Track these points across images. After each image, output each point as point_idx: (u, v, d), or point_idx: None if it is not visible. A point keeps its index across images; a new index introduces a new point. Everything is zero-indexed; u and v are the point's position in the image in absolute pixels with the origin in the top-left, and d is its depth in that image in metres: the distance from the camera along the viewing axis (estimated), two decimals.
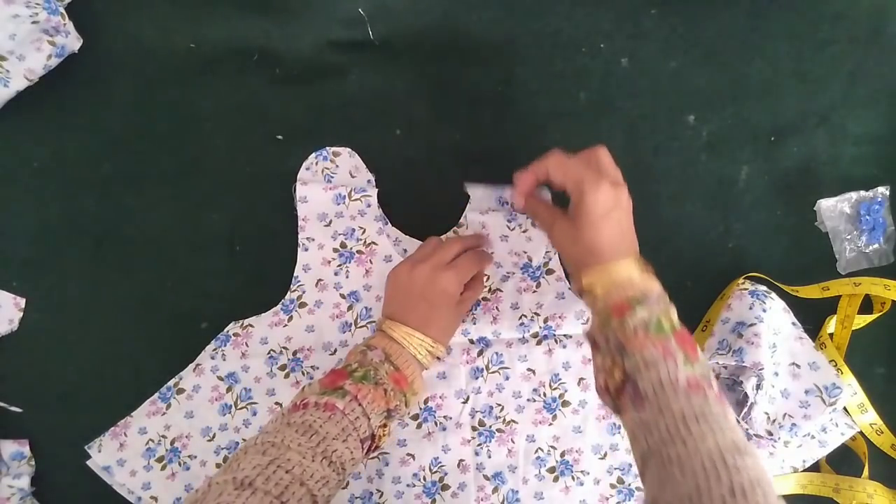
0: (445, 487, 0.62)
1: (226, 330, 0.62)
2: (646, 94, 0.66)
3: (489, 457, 0.62)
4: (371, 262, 0.63)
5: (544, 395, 0.63)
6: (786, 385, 0.62)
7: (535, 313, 0.64)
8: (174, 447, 0.61)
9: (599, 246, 0.51)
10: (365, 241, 0.63)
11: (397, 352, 0.53)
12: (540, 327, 0.63)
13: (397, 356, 0.53)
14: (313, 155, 0.63)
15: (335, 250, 0.63)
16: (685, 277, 0.66)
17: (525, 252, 0.64)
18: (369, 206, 0.63)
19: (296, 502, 0.42)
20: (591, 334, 0.50)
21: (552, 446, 0.62)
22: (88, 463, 0.60)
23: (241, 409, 0.62)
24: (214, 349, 0.62)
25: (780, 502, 0.39)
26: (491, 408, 0.63)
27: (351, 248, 0.63)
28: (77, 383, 0.63)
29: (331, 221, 0.63)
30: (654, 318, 0.46)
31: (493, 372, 0.63)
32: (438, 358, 0.56)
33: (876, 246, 0.67)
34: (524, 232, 0.63)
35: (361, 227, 0.63)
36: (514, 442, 0.62)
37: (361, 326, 0.63)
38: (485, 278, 0.63)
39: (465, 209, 0.64)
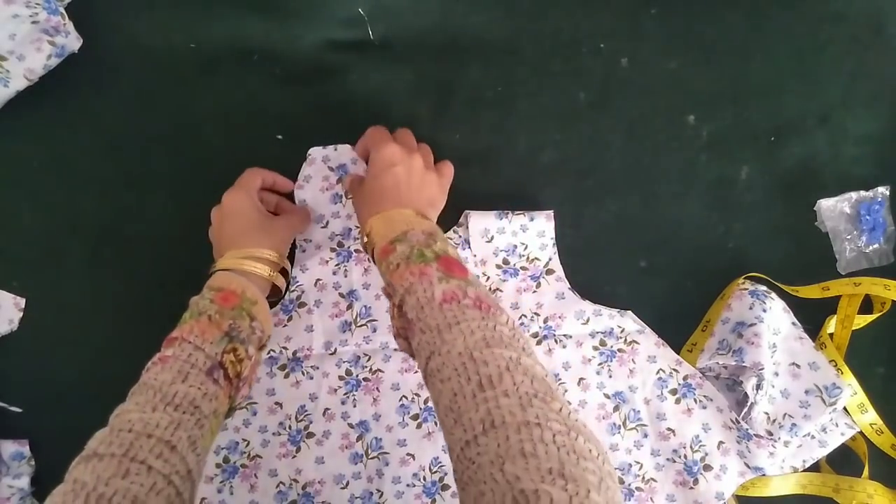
0: (445, 487, 0.62)
1: None
2: (646, 94, 0.66)
3: None
4: (370, 262, 0.63)
5: None
6: (786, 385, 0.62)
7: (535, 313, 0.64)
8: None
9: (379, 195, 0.53)
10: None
11: (215, 277, 0.53)
12: (540, 327, 0.63)
13: (214, 280, 0.52)
14: (316, 148, 0.63)
15: (332, 250, 0.63)
16: (685, 277, 0.66)
17: (524, 254, 0.64)
18: None
19: (147, 453, 0.41)
20: (384, 288, 0.51)
21: None
22: None
23: (240, 408, 0.62)
24: None
25: (539, 384, 0.37)
26: None
27: (349, 247, 0.63)
28: (77, 383, 0.63)
29: (328, 223, 0.63)
30: (414, 250, 0.47)
31: None
32: (275, 263, 0.56)
33: (876, 246, 0.67)
34: (524, 232, 0.63)
35: (358, 227, 0.63)
36: None
37: (361, 325, 0.63)
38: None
39: (467, 222, 0.64)
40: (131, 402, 0.45)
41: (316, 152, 0.62)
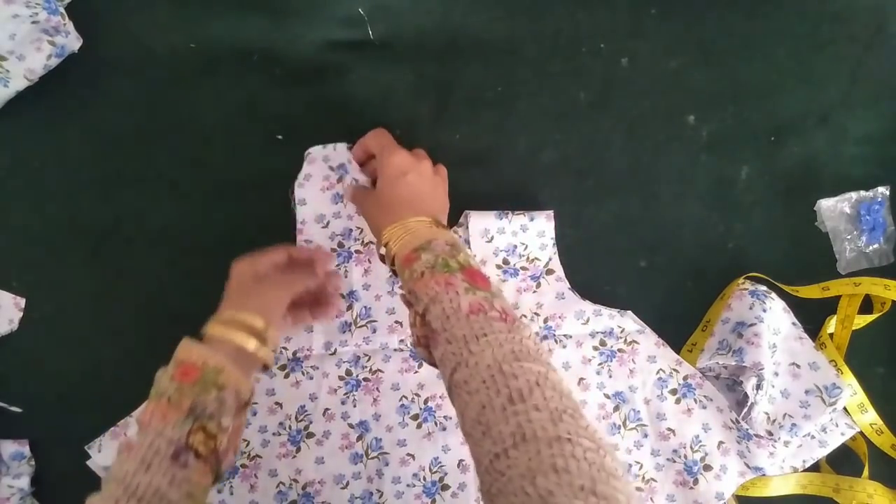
0: (445, 487, 0.62)
1: None
2: (646, 94, 0.66)
3: None
4: (370, 262, 0.63)
5: None
6: (786, 385, 0.62)
7: (535, 313, 0.64)
8: None
9: (394, 204, 0.53)
10: (363, 241, 0.63)
11: (180, 347, 0.49)
12: (540, 327, 0.63)
13: (179, 350, 0.49)
14: (316, 147, 0.63)
15: (333, 250, 0.63)
16: (685, 277, 0.66)
17: (524, 254, 0.64)
18: None
19: None
20: (403, 295, 0.50)
21: None
22: (88, 463, 0.60)
23: None
24: None
25: (567, 400, 0.38)
26: None
27: (349, 248, 0.63)
28: (77, 383, 0.63)
29: (328, 223, 0.63)
30: (439, 259, 0.47)
31: None
32: (257, 329, 0.50)
33: (876, 246, 0.67)
34: (524, 232, 0.63)
35: (359, 227, 0.63)
36: None
37: (361, 326, 0.63)
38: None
39: (467, 222, 0.64)
40: (101, 493, 0.44)
41: (316, 151, 0.62)
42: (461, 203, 0.64)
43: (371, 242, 0.63)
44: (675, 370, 0.64)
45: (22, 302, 0.62)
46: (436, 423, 0.62)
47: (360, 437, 0.62)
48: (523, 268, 0.64)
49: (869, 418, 0.64)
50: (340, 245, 0.63)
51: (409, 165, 0.54)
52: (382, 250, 0.53)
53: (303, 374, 0.62)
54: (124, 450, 0.45)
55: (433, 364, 0.47)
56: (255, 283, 0.54)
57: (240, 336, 0.49)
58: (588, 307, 0.64)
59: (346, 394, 0.62)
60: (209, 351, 0.48)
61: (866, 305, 0.67)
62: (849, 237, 0.67)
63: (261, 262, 0.55)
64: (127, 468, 0.43)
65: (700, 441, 0.63)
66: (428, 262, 0.47)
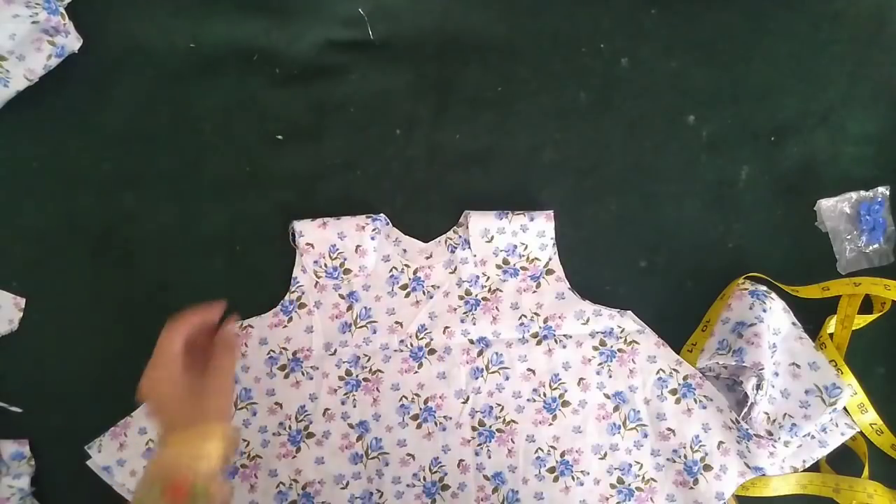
0: (445, 487, 0.62)
1: None
2: (646, 94, 0.66)
3: (489, 457, 0.62)
4: (367, 264, 0.63)
5: (544, 395, 0.63)
6: (786, 385, 0.62)
7: (535, 313, 0.64)
8: None
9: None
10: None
11: (161, 460, 0.46)
12: (540, 327, 0.64)
13: (161, 465, 0.46)
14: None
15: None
16: (685, 277, 0.66)
17: (524, 254, 0.64)
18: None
19: None
20: None
21: (552, 446, 0.62)
22: (88, 463, 0.60)
23: (240, 409, 0.62)
24: None
25: None
26: (491, 408, 0.63)
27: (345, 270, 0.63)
28: (77, 383, 0.63)
29: (325, 223, 0.63)
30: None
31: (492, 372, 0.63)
32: (231, 438, 0.48)
33: (876, 246, 0.67)
34: (524, 232, 0.63)
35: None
36: (513, 442, 0.62)
37: (361, 326, 0.63)
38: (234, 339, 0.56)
39: (467, 222, 0.64)
40: None
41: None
42: (461, 203, 0.64)
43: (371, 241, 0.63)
44: (675, 370, 0.64)
45: (22, 302, 0.62)
46: (436, 423, 0.62)
47: (359, 438, 0.62)
48: (523, 268, 0.64)
49: (869, 418, 0.64)
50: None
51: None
52: None
53: (303, 374, 0.62)
54: None
55: None
56: (191, 395, 0.49)
57: (209, 447, 0.46)
58: (588, 307, 0.64)
59: (346, 394, 0.62)
60: (195, 465, 0.45)
61: (866, 305, 0.67)
62: (849, 237, 0.67)
63: (171, 362, 0.49)
64: None
65: (700, 441, 0.63)
66: None
